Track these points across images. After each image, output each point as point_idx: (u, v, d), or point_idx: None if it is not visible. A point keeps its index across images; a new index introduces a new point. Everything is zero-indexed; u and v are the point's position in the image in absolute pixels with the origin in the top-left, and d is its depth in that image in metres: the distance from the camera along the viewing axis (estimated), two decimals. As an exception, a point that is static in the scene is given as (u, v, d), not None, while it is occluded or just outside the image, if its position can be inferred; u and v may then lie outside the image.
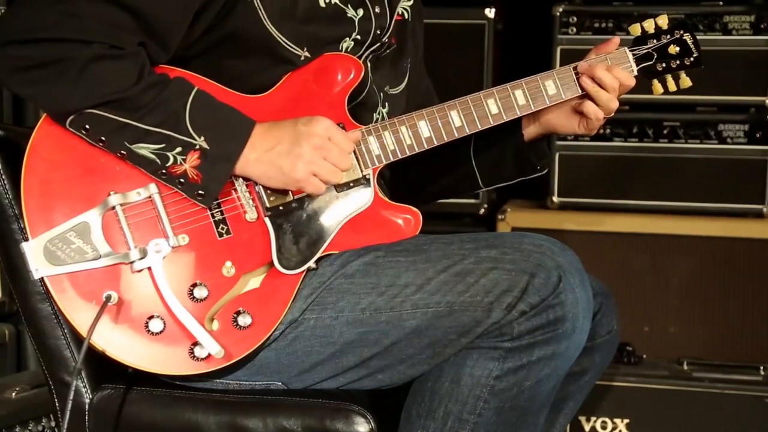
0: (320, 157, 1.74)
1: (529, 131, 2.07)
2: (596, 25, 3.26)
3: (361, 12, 1.90)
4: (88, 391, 1.86)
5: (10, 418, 2.56)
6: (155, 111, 1.69)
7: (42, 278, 1.73)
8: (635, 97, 3.25)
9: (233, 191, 1.78)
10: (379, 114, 1.97)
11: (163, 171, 1.71)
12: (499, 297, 1.70)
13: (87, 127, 1.70)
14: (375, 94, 1.96)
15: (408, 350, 1.76)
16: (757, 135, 3.17)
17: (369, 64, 1.94)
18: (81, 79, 1.67)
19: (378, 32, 1.93)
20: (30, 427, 2.61)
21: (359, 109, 1.92)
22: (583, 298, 1.73)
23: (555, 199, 3.27)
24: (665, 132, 3.21)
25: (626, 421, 2.98)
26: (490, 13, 3.38)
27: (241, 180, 1.78)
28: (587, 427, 2.98)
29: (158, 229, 1.74)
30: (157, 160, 1.71)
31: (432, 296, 1.73)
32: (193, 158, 1.70)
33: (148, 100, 1.69)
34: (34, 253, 1.71)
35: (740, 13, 3.17)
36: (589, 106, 1.97)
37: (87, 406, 1.85)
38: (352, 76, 1.86)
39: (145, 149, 1.70)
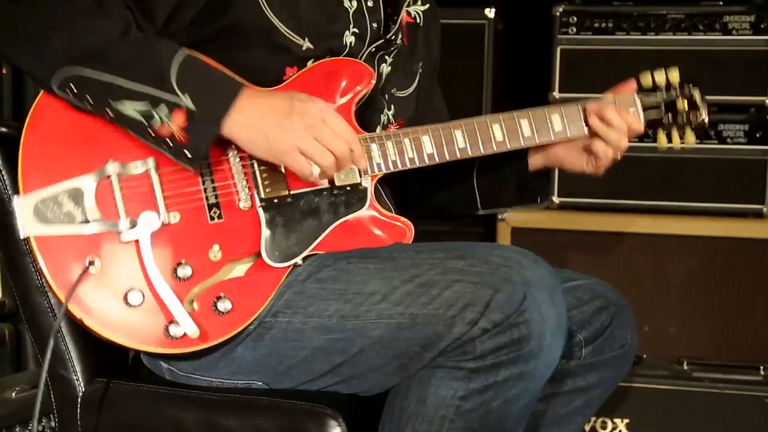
0: (310, 135, 1.71)
1: (535, 161, 2.07)
2: (596, 25, 3.26)
3: (355, 4, 1.90)
4: (81, 384, 1.87)
5: (10, 418, 2.56)
6: (140, 68, 1.66)
7: (28, 237, 1.70)
8: (635, 97, 3.27)
9: (230, 177, 1.77)
10: (384, 116, 1.97)
11: (150, 132, 1.68)
12: (462, 311, 1.65)
13: (73, 88, 1.68)
14: (379, 97, 1.95)
15: (375, 360, 1.73)
16: (757, 135, 3.17)
17: (383, 66, 1.94)
18: (64, 35, 1.65)
19: (374, 26, 1.92)
20: (30, 427, 2.61)
21: (365, 110, 1.91)
22: (551, 315, 1.66)
23: (555, 199, 3.27)
24: (665, 132, 3.21)
25: (626, 421, 2.98)
26: (490, 13, 3.39)
27: (239, 167, 1.77)
28: (587, 427, 2.98)
29: (151, 203, 1.73)
30: (143, 121, 1.67)
31: (396, 306, 1.70)
32: (178, 118, 1.67)
33: (132, 55, 1.67)
34: (24, 211, 1.69)
35: (740, 13, 3.17)
36: (599, 145, 1.98)
37: (79, 399, 1.87)
38: (362, 84, 1.86)
39: (130, 108, 1.67)
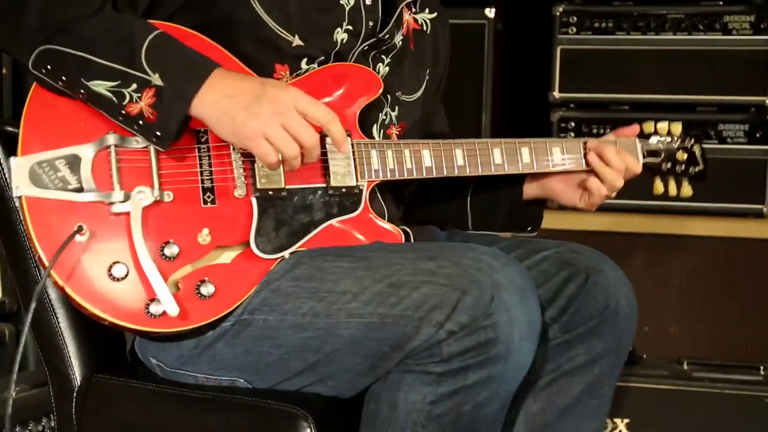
0: (277, 122, 1.67)
1: (530, 191, 2.08)
2: (596, 25, 3.27)
3: (352, 2, 1.89)
4: (77, 379, 1.88)
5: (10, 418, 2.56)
6: (112, 45, 1.65)
7: (20, 197, 1.69)
8: (635, 96, 3.27)
9: (228, 164, 1.77)
10: (386, 115, 1.96)
11: (122, 111, 1.67)
12: (429, 313, 1.63)
13: (48, 66, 1.67)
14: (380, 96, 1.93)
15: (348, 359, 1.72)
16: (757, 135, 3.18)
17: (379, 65, 1.94)
18: (37, 6, 1.64)
19: (370, 24, 1.91)
20: (30, 427, 2.61)
21: (365, 107, 1.90)
22: (520, 318, 1.63)
23: (555, 199, 3.27)
24: (665, 132, 3.22)
25: (626, 421, 2.98)
26: (490, 13, 3.39)
27: (239, 154, 1.76)
28: (587, 427, 2.98)
29: (146, 179, 1.71)
30: (114, 99, 1.66)
31: (366, 306, 1.68)
32: (148, 96, 1.65)
33: (105, 31, 1.66)
34: (20, 171, 1.68)
35: (740, 13, 3.17)
36: (593, 182, 2.01)
37: (74, 394, 1.87)
38: (370, 93, 1.87)
39: (101, 86, 1.66)
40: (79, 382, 1.88)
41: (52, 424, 2.59)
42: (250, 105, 1.66)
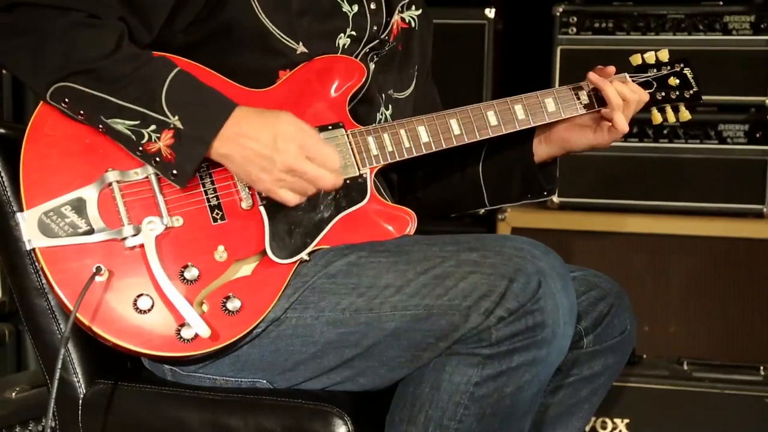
0: (291, 176, 1.71)
1: (540, 151, 2.08)
2: (596, 25, 3.27)
3: (356, 8, 1.90)
4: (82, 386, 1.88)
5: (10, 418, 2.57)
6: (131, 86, 1.68)
7: (34, 249, 1.71)
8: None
9: (230, 178, 1.78)
10: (382, 115, 1.97)
11: (139, 148, 1.70)
12: (477, 302, 1.68)
13: (66, 100, 1.69)
14: (376, 95, 1.96)
15: (388, 352, 1.75)
16: (757, 135, 3.18)
17: (371, 64, 1.95)
18: (58, 47, 1.66)
19: (375, 28, 1.93)
20: (30, 427, 2.61)
21: (362, 107, 1.92)
22: (564, 303, 1.70)
23: (555, 199, 3.27)
24: (665, 132, 3.22)
25: (626, 421, 2.99)
26: (490, 13, 3.39)
27: None
28: (587, 427, 2.99)
29: (153, 208, 1.74)
30: (133, 137, 1.69)
31: (411, 299, 1.71)
32: (167, 137, 1.68)
33: (125, 72, 1.68)
34: (29, 225, 1.70)
35: (740, 13, 3.17)
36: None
37: (80, 401, 1.87)
38: (354, 79, 1.87)
39: (121, 125, 1.69)
40: (84, 390, 1.87)
41: (52, 423, 2.59)
42: (262, 163, 1.70)
